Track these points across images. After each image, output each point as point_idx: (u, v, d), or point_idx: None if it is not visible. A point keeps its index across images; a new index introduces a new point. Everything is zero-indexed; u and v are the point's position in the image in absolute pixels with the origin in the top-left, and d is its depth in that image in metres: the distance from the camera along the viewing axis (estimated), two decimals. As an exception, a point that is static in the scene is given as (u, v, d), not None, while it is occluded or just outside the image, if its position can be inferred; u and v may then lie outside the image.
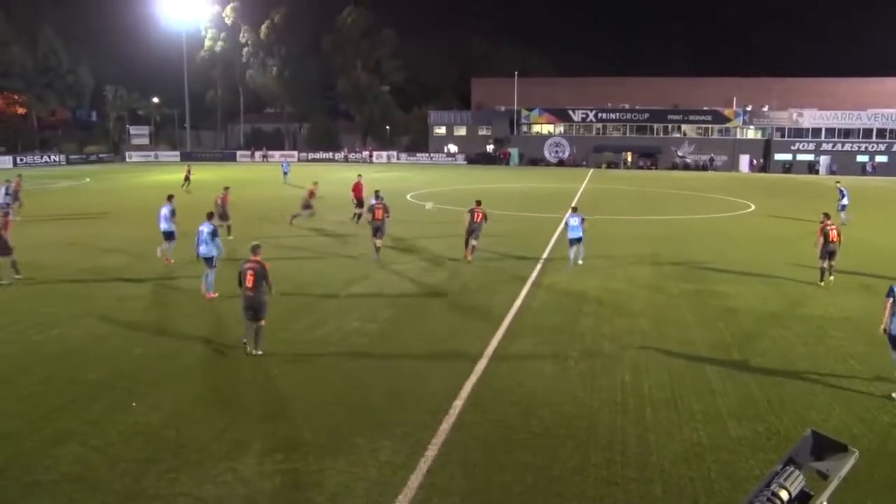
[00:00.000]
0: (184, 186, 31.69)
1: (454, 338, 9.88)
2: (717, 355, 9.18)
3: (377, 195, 16.66)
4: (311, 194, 21.43)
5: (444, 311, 11.32)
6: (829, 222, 13.84)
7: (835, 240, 13.67)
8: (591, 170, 66.78)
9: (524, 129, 79.95)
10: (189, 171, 34.07)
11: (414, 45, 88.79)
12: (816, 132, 69.62)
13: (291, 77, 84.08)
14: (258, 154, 77.17)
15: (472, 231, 14.99)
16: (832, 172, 66.37)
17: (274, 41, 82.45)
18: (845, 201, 24.39)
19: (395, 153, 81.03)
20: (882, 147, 68.06)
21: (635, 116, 74.84)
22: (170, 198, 15.09)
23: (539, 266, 15.24)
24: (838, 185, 25.70)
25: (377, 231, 15.11)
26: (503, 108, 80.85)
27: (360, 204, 20.82)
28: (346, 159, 79.30)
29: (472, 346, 9.47)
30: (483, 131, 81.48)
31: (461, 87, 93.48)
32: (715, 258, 16.78)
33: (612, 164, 73.59)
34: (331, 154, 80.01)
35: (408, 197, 32.19)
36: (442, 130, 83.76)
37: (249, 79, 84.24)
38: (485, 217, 15.18)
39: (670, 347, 9.54)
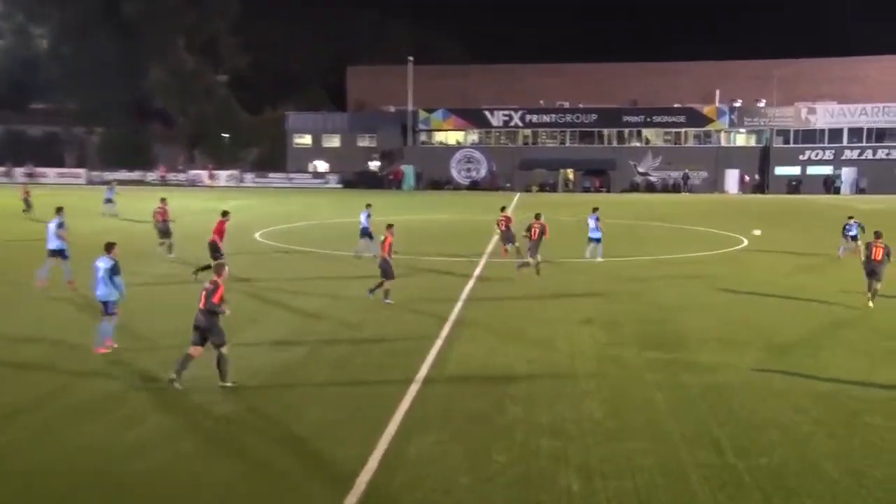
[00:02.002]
0: (26, 212, 37.88)
1: (323, 442, 9.48)
2: (703, 454, 9.27)
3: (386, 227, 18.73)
4: (164, 215, 25.42)
5: (307, 402, 11.19)
6: (877, 241, 18.59)
7: (878, 258, 18.19)
8: (518, 194, 68.94)
9: (423, 137, 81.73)
10: (27, 194, 39.92)
11: (265, 17, 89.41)
12: (836, 135, 75.52)
13: (73, 55, 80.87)
14: (18, 171, 73.40)
15: (529, 248, 21.49)
16: (860, 191, 72.38)
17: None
18: (853, 232, 27.51)
19: (236, 173, 79.86)
20: (934, 153, 74.18)
21: (578, 118, 78.70)
22: (59, 210, 19.67)
23: (448, 328, 15.79)
24: (851, 220, 27.96)
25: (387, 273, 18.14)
26: (393, 109, 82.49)
27: (217, 252, 21.06)
28: (162, 181, 77.23)
29: (349, 454, 9.12)
30: (364, 141, 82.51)
31: (333, 78, 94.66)
32: (692, 316, 17.55)
33: (546, 187, 76.53)
34: (139, 173, 77.63)
35: (256, 237, 32.18)
36: (306, 140, 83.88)
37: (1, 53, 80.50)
38: (542, 232, 21.45)
39: (634, 443, 9.57)
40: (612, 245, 29.35)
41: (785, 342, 14.72)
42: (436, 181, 77.95)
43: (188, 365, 11.48)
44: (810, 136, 75.21)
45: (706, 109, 77.29)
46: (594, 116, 78.04)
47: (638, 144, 78.67)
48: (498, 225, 27.23)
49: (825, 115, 74.62)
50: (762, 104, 76.96)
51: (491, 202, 56.03)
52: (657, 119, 77.73)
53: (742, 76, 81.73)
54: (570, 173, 78.55)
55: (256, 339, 14.73)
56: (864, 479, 8.55)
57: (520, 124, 79.20)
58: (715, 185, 75.68)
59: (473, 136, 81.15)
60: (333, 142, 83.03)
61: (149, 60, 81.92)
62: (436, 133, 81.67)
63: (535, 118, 78.96)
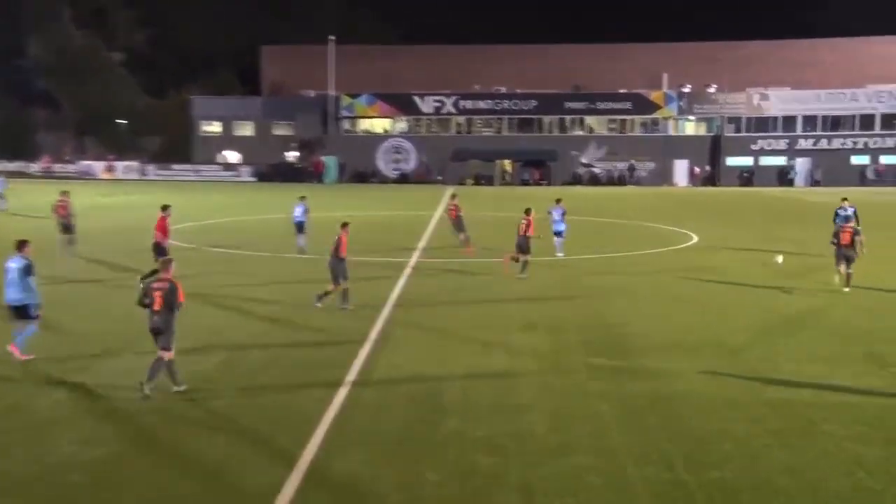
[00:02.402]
0: None
1: (234, 463, 9.36)
2: (652, 470, 9.43)
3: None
4: (63, 209, 25.69)
5: (218, 418, 11.07)
6: (845, 225, 20.91)
7: (848, 242, 20.41)
8: (451, 188, 69.14)
9: (346, 125, 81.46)
10: None
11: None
12: (789, 123, 78.11)
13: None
14: None
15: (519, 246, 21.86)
16: (815, 183, 74.89)
17: None
18: (848, 213, 27.23)
19: (136, 164, 78.17)
20: (891, 142, 76.92)
21: (517, 105, 79.52)
22: None
23: (375, 335, 15.78)
24: (845, 202, 27.66)
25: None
26: (312, 94, 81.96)
27: (163, 252, 20.02)
28: (47, 172, 75.12)
29: (263, 479, 9.00)
30: (281, 129, 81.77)
31: (245, 58, 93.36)
32: (640, 319, 17.84)
33: (481, 179, 77.09)
34: (20, 164, 75.24)
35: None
36: (214, 128, 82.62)
37: None
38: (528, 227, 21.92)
39: (579, 459, 9.68)
40: (551, 242, 29.66)
41: (738, 346, 15.10)
42: (361, 173, 77.73)
43: (158, 374, 11.80)
44: (763, 124, 77.57)
45: (653, 95, 78.96)
46: (533, 103, 78.93)
47: (581, 133, 79.93)
48: (448, 213, 28.03)
49: (778, 101, 77.05)
50: (712, 90, 78.98)
51: (421, 196, 56.26)
52: (601, 106, 79.07)
53: (691, 59, 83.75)
54: (508, 165, 79.24)
55: (129, 363, 14.41)
56: (820, 493, 8.81)
57: (453, 111, 79.58)
58: (663, 176, 77.36)
59: (402, 124, 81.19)
60: (246, 130, 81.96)
61: (28, 35, 79.34)
62: (360, 120, 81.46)
63: (469, 104, 79.45)
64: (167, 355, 11.73)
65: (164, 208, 21.97)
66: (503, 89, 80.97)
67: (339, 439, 10.20)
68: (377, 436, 10.35)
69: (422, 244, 30.34)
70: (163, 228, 21.57)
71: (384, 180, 77.04)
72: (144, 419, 10.94)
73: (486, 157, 77.46)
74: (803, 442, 10.21)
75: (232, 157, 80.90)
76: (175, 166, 78.62)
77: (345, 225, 18.63)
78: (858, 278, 21.32)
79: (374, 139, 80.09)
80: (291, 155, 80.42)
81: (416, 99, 79.23)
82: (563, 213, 27.22)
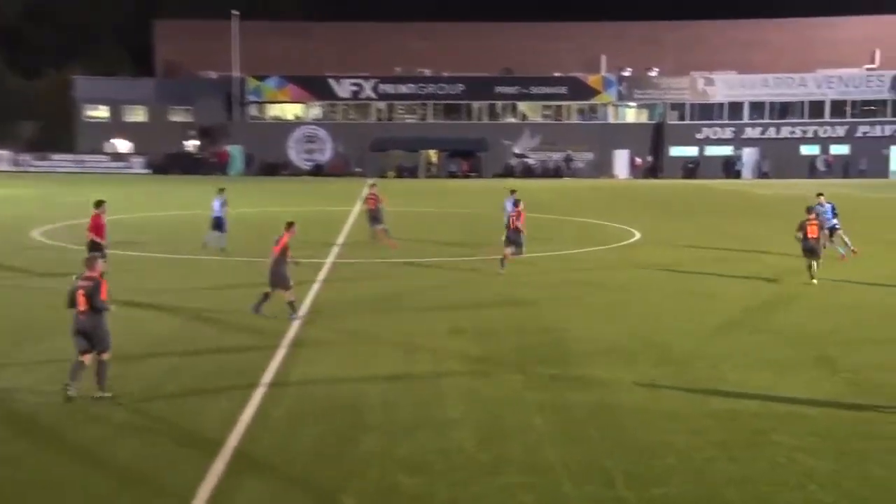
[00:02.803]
0: None
1: (129, 494, 9.24)
2: (591, 487, 9.57)
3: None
4: None
5: (107, 442, 10.82)
6: (810, 217, 22.32)
7: (815, 235, 21.93)
8: (371, 180, 68.84)
9: (253, 111, 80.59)
10: None
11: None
12: (736, 109, 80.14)
13: None
14: None
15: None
16: (763, 174, 76.93)
17: None
18: (835, 221, 27.04)
19: (6, 153, 76.03)
20: (841, 131, 79.65)
21: (443, 89, 79.84)
22: None
23: (287, 343, 15.71)
24: (821, 199, 27.01)
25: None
26: (214, 75, 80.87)
27: (99, 250, 19.95)
28: None
29: None
30: (178, 115, 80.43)
31: (135, 35, 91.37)
32: (578, 323, 18.11)
33: (404, 171, 77.19)
34: None
35: (34, 235, 31.19)
36: (101, 112, 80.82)
37: None
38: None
39: (512, 477, 9.79)
40: (484, 241, 29.88)
41: (682, 353, 15.45)
42: (270, 164, 77.00)
43: (80, 375, 12.08)
44: (708, 111, 79.40)
45: (591, 79, 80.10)
46: (461, 87, 79.28)
47: (513, 120, 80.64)
48: (366, 202, 28.90)
49: (725, 87, 78.97)
50: (654, 73, 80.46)
51: (338, 190, 56.01)
52: (534, 90, 79.86)
53: (631, 40, 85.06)
54: (434, 155, 79.42)
55: (36, 357, 14.19)
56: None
57: (372, 96, 79.43)
58: (602, 168, 78.52)
59: (316, 110, 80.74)
60: (138, 115, 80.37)
61: None
62: (269, 106, 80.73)
63: (390, 89, 79.39)
64: (107, 356, 12.24)
65: (99, 204, 21.49)
66: (428, 72, 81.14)
67: (245, 462, 10.08)
68: (288, 457, 10.26)
69: (340, 242, 30.23)
70: (96, 227, 21.13)
71: (296, 172, 76.44)
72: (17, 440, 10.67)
73: (409, 146, 77.51)
74: (750, 454, 10.49)
75: (122, 146, 79.16)
76: (55, 156, 76.68)
77: (290, 224, 18.23)
78: (818, 275, 22.03)
79: (285, 127, 79.40)
80: (191, 144, 79.14)
81: (332, 82, 78.81)
82: (517, 205, 26.79)
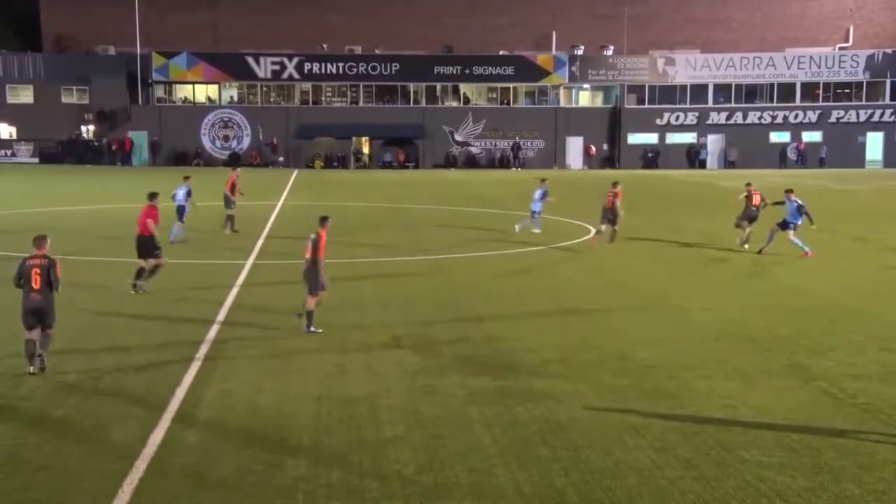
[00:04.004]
0: None
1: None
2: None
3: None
4: None
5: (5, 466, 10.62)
6: (752, 188, 29.29)
7: (757, 203, 28.70)
8: (295, 172, 69.04)
9: (159, 92, 79.45)
10: None
11: None
12: (699, 93, 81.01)
13: None
14: None
15: None
16: (730, 164, 77.86)
17: None
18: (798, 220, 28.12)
19: None
20: (813, 116, 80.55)
21: (375, 69, 79.49)
22: None
23: (200, 358, 15.59)
24: (790, 195, 28.03)
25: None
26: (113, 51, 79.55)
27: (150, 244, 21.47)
28: None
29: None
30: (72, 96, 78.91)
31: (19, 5, 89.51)
32: (528, 330, 18.21)
33: (333, 161, 76.90)
34: None
35: None
36: (-18, 93, 78.95)
37: None
38: None
39: (456, 503, 9.82)
40: (422, 239, 29.96)
41: (643, 362, 15.64)
42: (180, 153, 76.13)
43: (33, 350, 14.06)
44: (669, 94, 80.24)
45: (540, 58, 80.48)
46: (396, 67, 79.09)
47: (454, 104, 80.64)
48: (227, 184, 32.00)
49: (686, 68, 79.90)
50: (610, 52, 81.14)
51: (258, 182, 55.44)
52: (478, 71, 79.97)
53: (584, 15, 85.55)
54: (366, 144, 79.20)
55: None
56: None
57: (296, 76, 78.91)
58: (554, 157, 78.97)
59: (232, 92, 79.96)
60: (23, 96, 78.58)
61: None
62: (178, 87, 79.57)
63: (316, 68, 78.89)
64: (52, 330, 14.53)
65: (153, 196, 22.12)
66: (358, 49, 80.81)
67: (155, 495, 9.95)
68: (204, 488, 10.15)
69: (260, 242, 30.02)
70: (153, 218, 21.44)
71: (211, 162, 75.55)
72: None
73: (338, 133, 77.10)
74: (718, 472, 10.67)
75: (5, 131, 77.45)
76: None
77: (324, 220, 18.31)
78: (783, 279, 22.46)
79: (197, 110, 78.39)
80: (87, 129, 77.82)
81: (250, 60, 78.00)
82: (544, 194, 32.74)
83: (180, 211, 29.08)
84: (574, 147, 79.72)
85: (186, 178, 30.69)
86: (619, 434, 11.94)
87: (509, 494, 10.05)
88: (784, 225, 27.35)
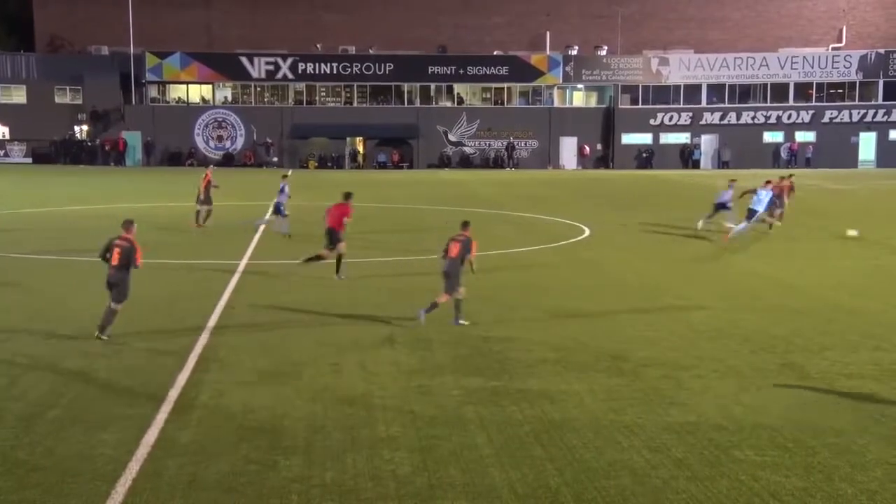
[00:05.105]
0: None
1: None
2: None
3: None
4: None
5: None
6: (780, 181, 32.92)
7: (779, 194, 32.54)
8: (290, 171, 68.33)
9: (153, 93, 79.39)
10: None
11: None
12: (693, 93, 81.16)
13: None
14: None
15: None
16: (724, 164, 77.98)
17: None
18: (760, 208, 30.89)
19: None
20: (806, 116, 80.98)
21: (370, 69, 79.47)
22: None
23: (194, 359, 15.55)
24: (768, 186, 32.18)
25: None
26: (106, 51, 79.42)
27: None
28: None
29: None
30: (65, 97, 78.82)
31: (12, 4, 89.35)
32: (522, 330, 18.26)
33: (327, 161, 76.85)
34: None
35: None
36: (-27, 93, 78.82)
37: None
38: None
39: (449, 503, 9.85)
40: (417, 239, 29.93)
41: (637, 361, 15.66)
42: (174, 154, 76.13)
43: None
44: (663, 94, 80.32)
45: (534, 59, 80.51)
46: (391, 67, 79.11)
47: (449, 104, 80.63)
48: (202, 183, 33.00)
49: (680, 68, 79.98)
50: (604, 52, 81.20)
51: (253, 182, 55.51)
52: (472, 71, 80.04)
53: (578, 15, 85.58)
54: (361, 144, 79.21)
55: None
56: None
57: (290, 76, 78.86)
58: (548, 157, 79.02)
59: (226, 92, 79.90)
60: (16, 96, 78.49)
61: None
62: (171, 87, 79.49)
63: (310, 68, 78.92)
64: (117, 307, 16.32)
65: (348, 196, 23.74)
66: (352, 49, 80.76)
67: (147, 497, 9.92)
68: (199, 489, 10.14)
69: (255, 242, 30.00)
70: (346, 215, 23.16)
71: (205, 162, 75.41)
72: None
73: (332, 133, 77.09)
74: (711, 472, 10.69)
75: (-2, 132, 77.45)
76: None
77: (465, 224, 19.20)
78: (779, 278, 22.48)
79: (190, 111, 78.33)
80: (80, 130, 77.69)
81: (244, 60, 77.97)
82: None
83: (277, 208, 31.45)
84: (568, 147, 79.78)
85: (285, 176, 32.90)
86: (614, 434, 11.96)
87: (503, 494, 10.06)
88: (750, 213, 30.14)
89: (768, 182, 32.48)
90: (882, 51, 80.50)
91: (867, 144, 79.92)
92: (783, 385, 14.28)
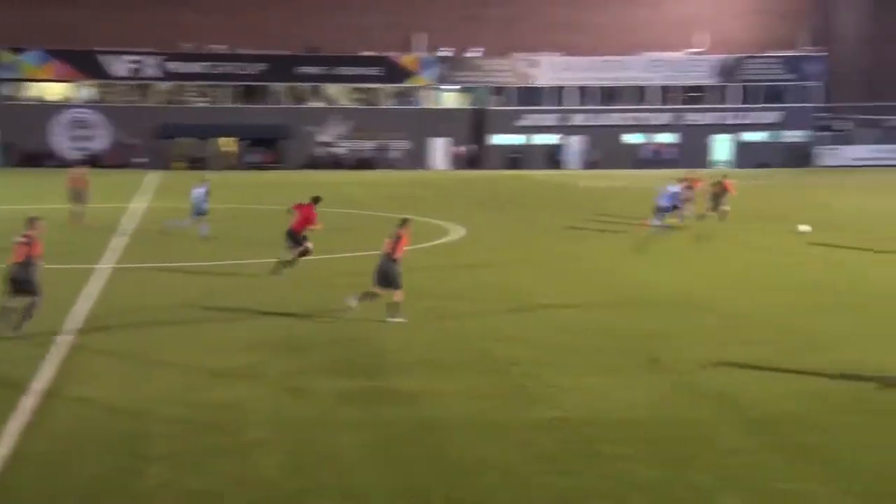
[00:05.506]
0: None
1: None
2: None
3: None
4: None
5: None
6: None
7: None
8: (156, 173, 67.75)
9: (6, 90, 76.67)
10: None
11: None
12: (561, 95, 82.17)
13: None
14: None
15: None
16: (592, 164, 79.72)
17: None
18: (662, 203, 32.80)
19: None
20: (667, 118, 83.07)
21: (239, 69, 78.45)
22: None
23: (53, 365, 15.07)
24: (683, 183, 34.89)
25: None
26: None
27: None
28: None
29: None
30: None
31: None
32: (396, 331, 18.24)
33: (196, 162, 75.28)
34: None
35: None
36: None
37: None
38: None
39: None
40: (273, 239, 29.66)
41: (509, 359, 15.85)
42: (31, 154, 73.40)
43: None
44: (533, 96, 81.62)
45: (405, 59, 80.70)
46: (260, 67, 78.35)
47: (320, 105, 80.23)
48: (72, 183, 33.61)
49: (549, 69, 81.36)
50: (474, 54, 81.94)
51: (116, 184, 54.12)
52: (343, 71, 79.86)
53: (450, 17, 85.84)
54: (233, 144, 78.19)
55: None
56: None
57: (156, 75, 77.30)
58: (419, 158, 79.35)
59: (88, 91, 77.64)
60: None
61: None
62: (28, 84, 76.94)
63: (177, 67, 77.51)
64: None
65: (316, 200, 24.25)
66: (223, 48, 79.45)
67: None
68: (56, 499, 9.86)
69: (118, 245, 29.33)
70: (310, 221, 23.49)
71: (65, 163, 73.00)
72: None
73: (200, 134, 75.82)
74: (579, 466, 10.91)
75: None
76: None
77: (405, 222, 19.53)
78: (643, 275, 23.04)
79: (49, 109, 75.75)
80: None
81: (106, 58, 75.95)
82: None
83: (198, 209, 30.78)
84: (439, 148, 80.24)
85: (203, 178, 32.58)
86: (484, 432, 12.08)
87: (374, 494, 10.08)
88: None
89: (682, 180, 34.14)
90: (738, 56, 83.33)
91: (723, 146, 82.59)
92: (648, 379, 14.63)
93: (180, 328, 18.10)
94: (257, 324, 18.52)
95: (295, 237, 23.52)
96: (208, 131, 75.95)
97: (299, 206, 23.88)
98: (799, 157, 78.57)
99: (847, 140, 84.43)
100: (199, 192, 30.96)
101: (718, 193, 34.82)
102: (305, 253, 23.77)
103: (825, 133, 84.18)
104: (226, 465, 10.87)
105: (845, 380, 14.47)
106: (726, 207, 34.98)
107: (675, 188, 33.02)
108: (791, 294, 22.23)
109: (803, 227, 32.59)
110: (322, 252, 28.19)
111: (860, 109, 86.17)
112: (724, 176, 37.02)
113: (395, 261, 18.66)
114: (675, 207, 33.01)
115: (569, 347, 16.73)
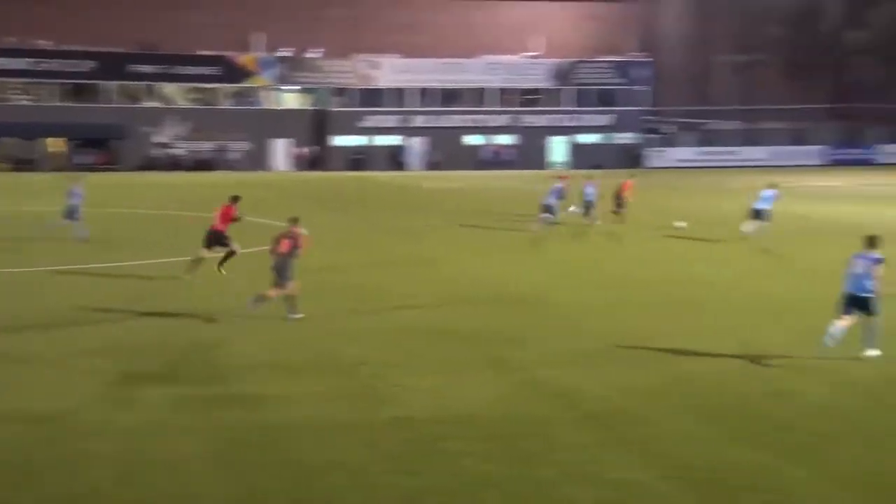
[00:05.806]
0: None
1: None
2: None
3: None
4: None
5: None
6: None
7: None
8: (80, 174, 64.62)
9: None
10: None
11: None
12: (402, 96, 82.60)
13: None
14: None
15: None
16: (434, 165, 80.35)
17: None
18: (550, 200, 33.05)
19: None
20: (505, 120, 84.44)
21: (70, 66, 75.61)
22: None
23: None
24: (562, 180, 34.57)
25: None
26: None
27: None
28: None
29: None
30: None
31: None
32: (238, 335, 17.90)
33: (21, 163, 72.26)
34: None
35: None
36: None
37: None
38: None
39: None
40: (119, 243, 28.86)
41: (353, 360, 15.77)
42: None
43: None
44: (375, 97, 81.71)
45: (244, 59, 79.57)
46: (92, 64, 75.96)
47: (156, 105, 78.31)
48: None
49: (389, 70, 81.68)
50: (315, 55, 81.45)
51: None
52: (180, 70, 78.31)
53: (291, 18, 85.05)
54: (59, 144, 75.43)
55: None
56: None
57: (-28, 71, 73.80)
58: (260, 159, 78.40)
59: None
60: None
61: None
62: None
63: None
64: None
65: (235, 199, 24.36)
66: (50, 44, 76.35)
67: None
68: None
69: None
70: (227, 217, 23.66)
71: None
72: None
73: (25, 133, 72.78)
74: (425, 464, 10.90)
75: None
76: None
77: (295, 220, 19.70)
78: (485, 275, 23.22)
79: None
80: None
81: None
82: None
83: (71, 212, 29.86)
84: (280, 149, 79.44)
85: (76, 179, 31.43)
86: (329, 433, 11.96)
87: (215, 501, 9.84)
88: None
89: (561, 177, 35.21)
90: (572, 60, 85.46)
91: (559, 147, 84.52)
92: (490, 377, 14.75)
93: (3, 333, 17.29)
94: (85, 329, 17.91)
95: (219, 238, 23.43)
96: (34, 131, 72.87)
97: (221, 208, 23.91)
98: (630, 158, 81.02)
99: (672, 142, 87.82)
100: (78, 192, 30.16)
101: (619, 194, 35.33)
102: (232, 254, 23.67)
103: (652, 135, 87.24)
104: (57, 479, 10.43)
105: (670, 375, 14.87)
106: (624, 209, 35.40)
107: (558, 185, 33.63)
108: (631, 290, 22.70)
109: (679, 224, 34.18)
110: (152, 255, 27.56)
111: (683, 113, 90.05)
112: (632, 176, 37.62)
113: (290, 257, 18.81)
114: (560, 199, 33.59)
115: (415, 347, 16.74)
